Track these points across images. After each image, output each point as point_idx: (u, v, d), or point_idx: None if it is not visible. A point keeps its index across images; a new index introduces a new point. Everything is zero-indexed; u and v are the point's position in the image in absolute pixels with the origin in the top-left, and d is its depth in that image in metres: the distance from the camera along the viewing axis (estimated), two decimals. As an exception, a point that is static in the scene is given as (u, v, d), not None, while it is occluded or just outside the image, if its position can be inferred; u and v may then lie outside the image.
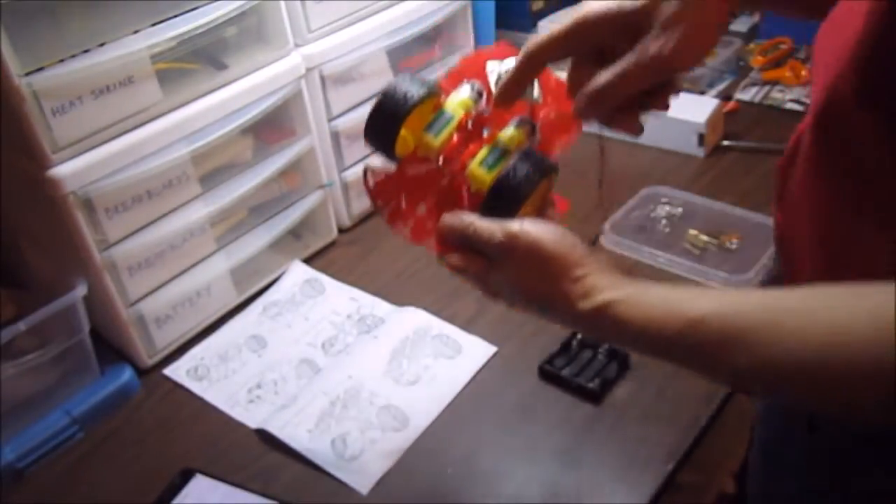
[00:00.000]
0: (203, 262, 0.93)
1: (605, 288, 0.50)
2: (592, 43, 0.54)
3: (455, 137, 0.60)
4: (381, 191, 0.63)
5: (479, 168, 0.58)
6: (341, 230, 1.11)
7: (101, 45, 0.77)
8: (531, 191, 0.56)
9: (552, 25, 0.56)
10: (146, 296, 0.88)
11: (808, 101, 1.25)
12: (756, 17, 1.50)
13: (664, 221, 1.03)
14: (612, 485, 0.73)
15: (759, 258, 0.95)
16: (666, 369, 0.82)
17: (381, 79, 1.07)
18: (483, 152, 0.58)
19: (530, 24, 1.29)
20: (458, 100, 0.60)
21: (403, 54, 1.09)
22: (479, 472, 0.76)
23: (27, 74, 0.72)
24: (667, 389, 0.80)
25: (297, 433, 0.80)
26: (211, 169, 0.91)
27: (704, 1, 0.49)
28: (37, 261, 0.95)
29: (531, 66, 0.56)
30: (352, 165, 1.08)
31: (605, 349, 0.84)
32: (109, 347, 0.91)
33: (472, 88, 0.61)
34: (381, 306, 0.97)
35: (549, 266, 0.52)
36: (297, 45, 0.96)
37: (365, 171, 0.62)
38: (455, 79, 0.62)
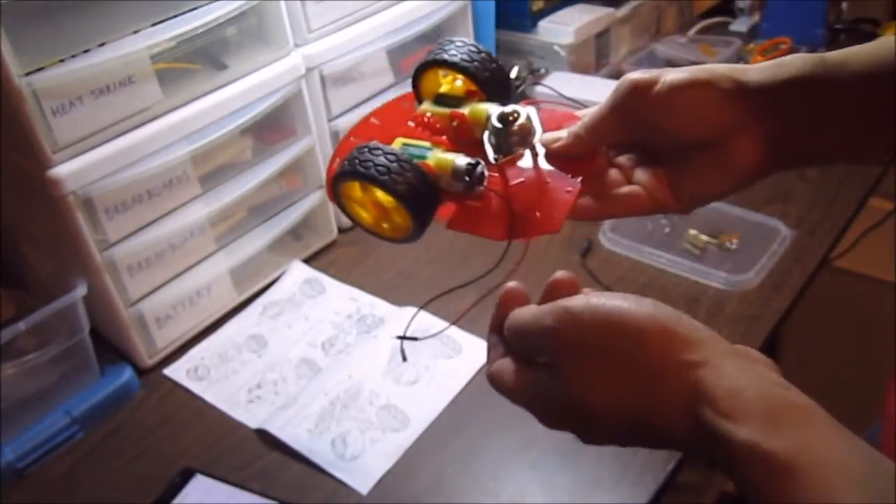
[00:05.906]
0: (203, 262, 0.93)
1: (754, 416, 0.33)
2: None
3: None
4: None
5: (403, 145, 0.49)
6: (341, 230, 1.11)
7: (101, 45, 0.77)
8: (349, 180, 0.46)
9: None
10: (146, 296, 0.88)
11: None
12: (756, 17, 1.50)
13: (664, 221, 1.03)
14: (612, 485, 0.73)
15: (759, 258, 0.95)
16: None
17: (381, 79, 1.07)
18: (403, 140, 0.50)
19: (530, 24, 1.29)
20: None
21: (403, 54, 1.09)
22: (479, 472, 0.76)
23: (27, 74, 0.72)
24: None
25: (297, 433, 0.80)
26: (211, 169, 0.91)
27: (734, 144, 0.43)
28: (37, 261, 0.95)
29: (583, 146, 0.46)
30: (352, 165, 1.08)
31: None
32: (109, 347, 0.91)
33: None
34: (381, 306, 0.97)
35: (646, 347, 0.35)
36: (297, 45, 0.96)
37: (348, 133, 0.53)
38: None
